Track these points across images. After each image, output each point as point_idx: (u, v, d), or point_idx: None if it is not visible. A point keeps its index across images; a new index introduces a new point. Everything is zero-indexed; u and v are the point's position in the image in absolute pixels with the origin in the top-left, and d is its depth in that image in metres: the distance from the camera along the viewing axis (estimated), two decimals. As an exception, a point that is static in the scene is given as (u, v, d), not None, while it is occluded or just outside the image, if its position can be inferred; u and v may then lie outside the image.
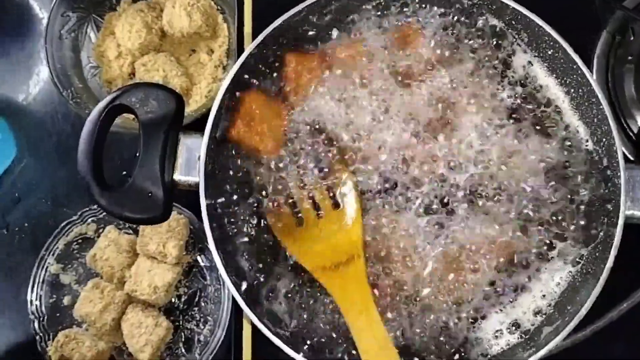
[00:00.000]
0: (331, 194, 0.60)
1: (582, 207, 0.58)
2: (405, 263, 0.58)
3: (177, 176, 0.56)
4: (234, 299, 0.75)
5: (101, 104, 0.54)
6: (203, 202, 0.55)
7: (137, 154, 0.54)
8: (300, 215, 0.60)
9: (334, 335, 0.59)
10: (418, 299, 0.58)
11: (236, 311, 0.74)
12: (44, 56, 0.85)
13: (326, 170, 0.60)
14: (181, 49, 0.84)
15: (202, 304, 0.80)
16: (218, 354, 0.76)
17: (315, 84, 0.61)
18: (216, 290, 0.79)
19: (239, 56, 0.60)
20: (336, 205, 0.60)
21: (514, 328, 0.56)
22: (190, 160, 0.56)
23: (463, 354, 0.56)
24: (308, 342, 0.58)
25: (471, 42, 0.61)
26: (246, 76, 0.61)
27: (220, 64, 0.82)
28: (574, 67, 0.56)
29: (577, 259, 0.57)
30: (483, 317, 0.57)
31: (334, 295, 0.58)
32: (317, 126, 0.61)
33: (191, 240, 0.81)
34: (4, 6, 0.90)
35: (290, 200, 0.60)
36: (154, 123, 0.55)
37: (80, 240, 0.82)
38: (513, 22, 0.60)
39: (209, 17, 0.81)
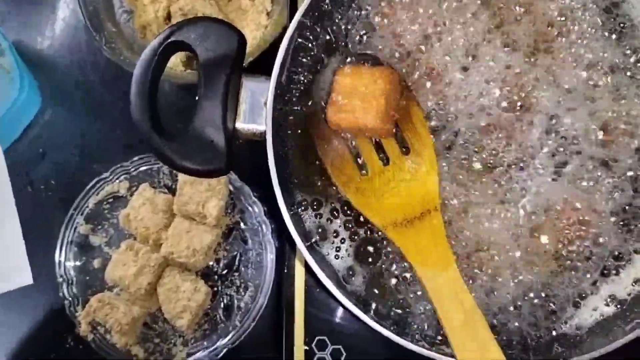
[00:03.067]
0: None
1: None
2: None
3: (240, 124, 0.50)
4: (279, 261, 0.70)
5: (157, 40, 0.48)
6: (270, 152, 0.50)
7: (197, 97, 0.48)
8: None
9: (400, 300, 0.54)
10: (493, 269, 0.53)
11: (287, 270, 0.68)
12: (70, -2, 0.79)
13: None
14: (220, -7, 0.78)
15: (242, 269, 0.74)
16: (260, 321, 0.71)
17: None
18: (258, 255, 0.74)
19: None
20: (406, 150, 0.54)
21: (610, 299, 0.51)
22: (255, 107, 0.50)
23: (556, 330, 0.51)
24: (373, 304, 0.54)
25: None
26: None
27: (264, 9, 0.75)
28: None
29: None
30: (581, 296, 0.52)
31: (407, 254, 0.52)
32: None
33: (230, 202, 0.75)
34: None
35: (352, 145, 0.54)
36: (214, 63, 0.49)
37: (111, 199, 0.76)
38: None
39: (251, -42, 0.74)
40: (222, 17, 0.74)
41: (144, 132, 0.46)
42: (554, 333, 0.51)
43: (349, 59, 0.56)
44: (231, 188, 0.74)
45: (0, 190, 0.74)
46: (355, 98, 0.51)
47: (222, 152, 0.48)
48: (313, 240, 0.54)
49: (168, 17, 0.76)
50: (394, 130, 0.53)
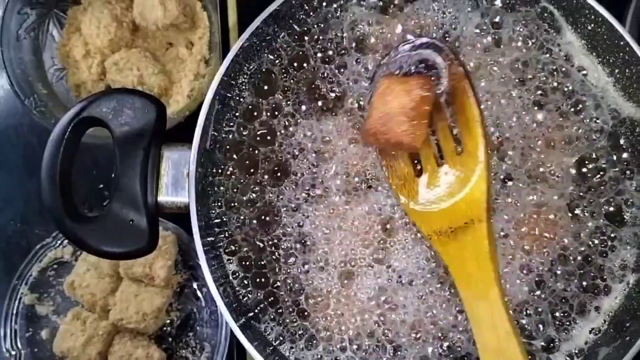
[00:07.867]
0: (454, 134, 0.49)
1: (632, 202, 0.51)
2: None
3: (163, 198, 0.48)
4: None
5: (65, 119, 0.45)
6: (195, 226, 0.47)
7: (113, 175, 0.46)
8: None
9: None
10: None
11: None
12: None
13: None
14: (156, 43, 0.75)
15: (197, 329, 0.72)
16: (219, 383, 0.68)
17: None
18: (212, 313, 0.71)
19: (224, 48, 0.52)
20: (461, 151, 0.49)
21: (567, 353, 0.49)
22: (178, 178, 0.48)
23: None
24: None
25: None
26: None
27: (202, 58, 0.73)
28: (621, 44, 0.48)
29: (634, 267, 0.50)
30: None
31: (452, 272, 0.48)
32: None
33: (180, 258, 0.72)
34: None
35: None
36: (131, 137, 0.46)
37: (55, 266, 0.73)
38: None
39: (185, 6, 0.72)
40: (159, 69, 0.72)
41: (56, 218, 0.43)
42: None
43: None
44: (180, 244, 0.72)
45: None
46: (385, 116, 0.46)
47: (143, 232, 0.45)
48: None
49: (103, 72, 0.73)
50: (431, 135, 0.49)
